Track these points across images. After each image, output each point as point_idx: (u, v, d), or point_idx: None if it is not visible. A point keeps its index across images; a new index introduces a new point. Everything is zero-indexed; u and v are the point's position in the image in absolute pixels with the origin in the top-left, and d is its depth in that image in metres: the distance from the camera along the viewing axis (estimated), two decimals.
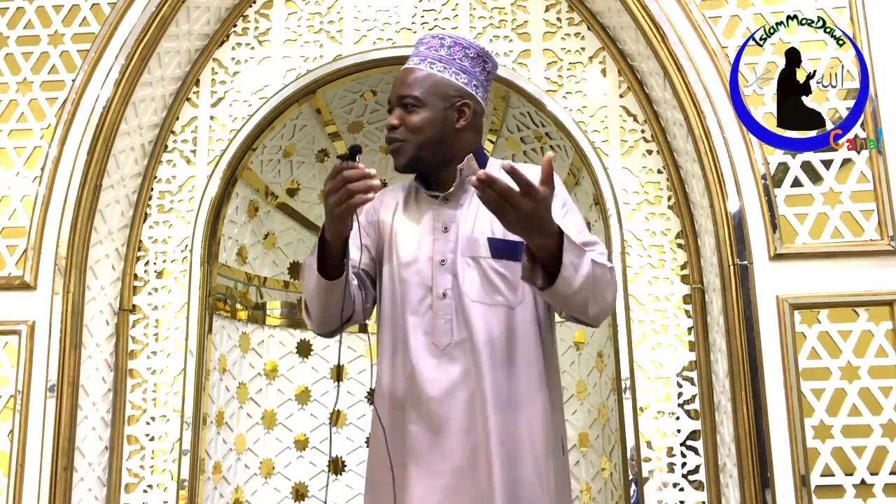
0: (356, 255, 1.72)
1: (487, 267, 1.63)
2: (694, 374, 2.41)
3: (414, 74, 1.71)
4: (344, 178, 1.46)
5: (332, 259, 1.57)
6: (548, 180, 1.36)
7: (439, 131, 1.69)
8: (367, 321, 2.90)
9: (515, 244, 1.61)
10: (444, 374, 1.60)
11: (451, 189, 1.71)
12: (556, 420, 1.68)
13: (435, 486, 1.56)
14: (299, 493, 2.90)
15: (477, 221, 1.67)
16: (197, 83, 2.75)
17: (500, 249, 1.64)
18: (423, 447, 1.59)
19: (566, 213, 1.67)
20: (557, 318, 1.72)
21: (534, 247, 1.42)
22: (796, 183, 2.32)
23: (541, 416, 1.62)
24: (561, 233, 1.42)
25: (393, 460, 1.60)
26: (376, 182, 1.46)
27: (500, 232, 1.62)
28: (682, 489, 2.36)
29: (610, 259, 1.66)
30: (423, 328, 1.63)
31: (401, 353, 1.65)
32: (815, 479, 2.15)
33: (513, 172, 1.33)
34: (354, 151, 1.49)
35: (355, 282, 1.71)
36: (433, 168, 1.72)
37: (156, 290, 2.62)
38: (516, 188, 1.34)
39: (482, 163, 1.76)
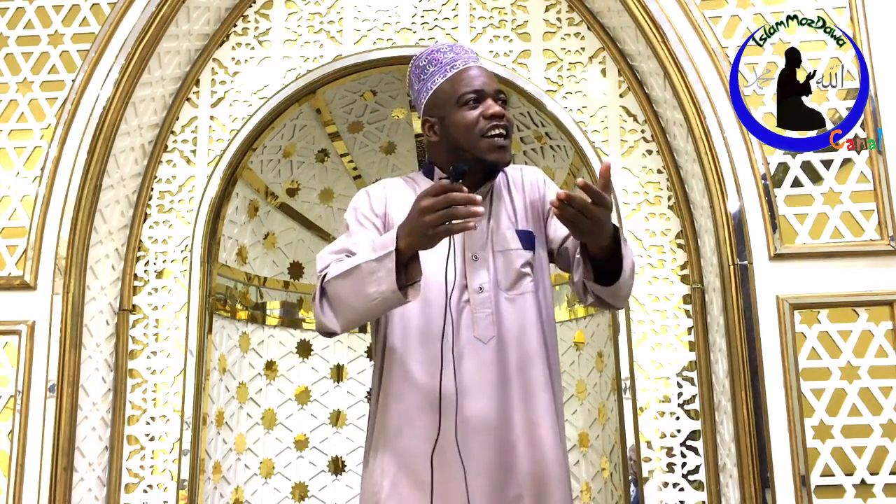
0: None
1: (516, 258, 1.66)
2: (694, 374, 2.41)
3: (495, 77, 1.76)
4: (448, 199, 1.40)
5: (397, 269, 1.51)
6: (607, 186, 1.45)
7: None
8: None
9: (531, 233, 1.70)
10: (490, 367, 1.60)
11: (479, 188, 1.71)
12: (560, 409, 1.73)
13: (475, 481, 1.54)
14: (299, 493, 2.90)
15: (501, 218, 1.70)
16: (197, 83, 2.75)
17: (527, 240, 1.69)
18: (472, 438, 1.56)
19: None
20: (558, 316, 1.75)
21: (598, 249, 1.52)
22: (796, 183, 2.32)
23: (557, 405, 1.66)
24: (616, 230, 1.52)
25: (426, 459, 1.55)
26: (481, 209, 1.40)
27: (522, 224, 1.70)
28: (682, 489, 2.36)
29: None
30: (463, 323, 1.61)
31: (438, 349, 1.58)
32: (815, 479, 2.15)
33: (585, 187, 1.42)
34: (461, 172, 1.45)
35: None
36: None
37: (156, 290, 2.62)
38: (588, 199, 1.42)
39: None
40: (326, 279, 1.57)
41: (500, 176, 1.78)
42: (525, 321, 1.64)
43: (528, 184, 1.77)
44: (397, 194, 1.75)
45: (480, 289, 1.63)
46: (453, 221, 1.40)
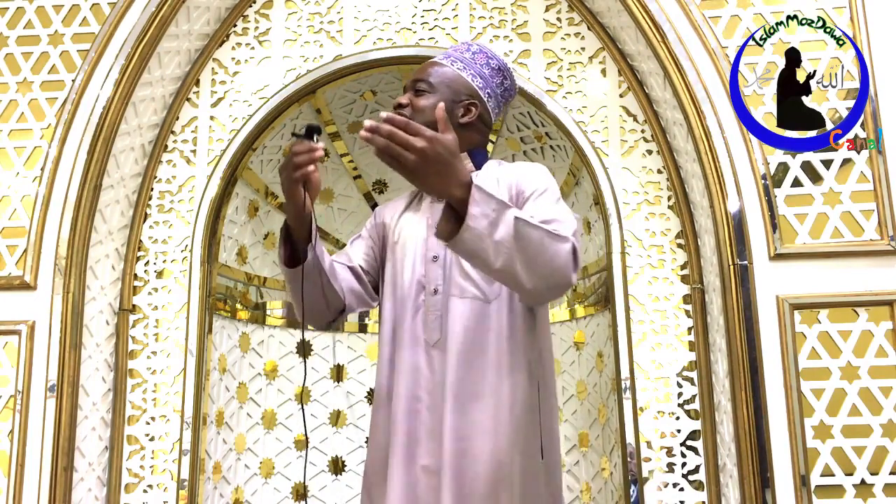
0: (356, 252, 1.80)
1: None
2: (694, 374, 2.41)
3: (434, 66, 1.78)
4: (292, 152, 1.50)
5: (299, 245, 1.60)
6: (444, 129, 1.32)
7: (423, 120, 1.67)
8: (367, 321, 2.86)
9: None
10: (429, 370, 1.61)
11: None
12: (532, 419, 1.62)
13: (407, 482, 1.57)
14: (299, 493, 2.90)
15: None
16: (197, 83, 2.75)
17: None
18: (403, 443, 1.60)
19: (538, 196, 1.63)
20: (553, 317, 1.71)
21: (449, 200, 1.34)
22: (796, 183, 2.32)
23: (506, 412, 1.58)
24: (472, 184, 1.33)
25: (383, 453, 1.63)
26: (320, 153, 1.49)
27: None
28: (682, 489, 2.36)
29: (572, 235, 1.52)
30: (418, 324, 1.64)
31: (397, 349, 1.66)
32: (815, 479, 2.15)
33: (390, 119, 1.27)
34: (311, 131, 1.51)
35: (349, 277, 1.75)
36: None
37: (156, 290, 2.62)
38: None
39: (479, 163, 1.77)
40: None
41: (491, 172, 1.76)
42: (468, 325, 1.60)
43: (506, 180, 1.70)
44: (394, 208, 1.84)
45: (435, 291, 1.64)
46: (298, 173, 1.49)
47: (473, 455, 1.55)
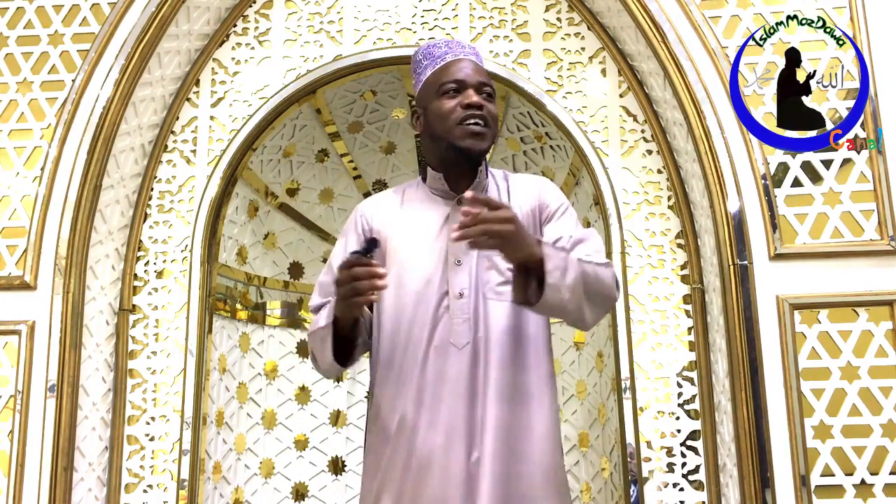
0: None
1: (501, 262, 1.59)
2: (694, 374, 2.41)
3: (484, 71, 1.75)
4: (352, 274, 1.48)
5: (342, 331, 1.62)
6: (498, 206, 1.44)
7: (496, 130, 1.74)
8: None
9: None
10: (460, 372, 1.58)
11: (469, 185, 1.71)
12: (558, 418, 1.69)
13: (427, 481, 1.55)
14: (299, 493, 2.90)
15: None
16: (197, 83, 2.75)
17: None
18: (430, 443, 1.56)
19: (561, 214, 1.72)
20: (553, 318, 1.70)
21: (527, 261, 1.46)
22: (796, 183, 2.32)
23: (548, 412, 1.62)
24: (540, 242, 1.46)
25: (399, 460, 1.59)
26: (382, 283, 1.49)
27: None
28: (682, 489, 2.36)
29: (606, 255, 1.66)
30: (440, 329, 1.61)
31: (408, 352, 1.62)
32: (815, 479, 2.15)
33: (474, 199, 1.41)
34: (371, 246, 1.53)
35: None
36: (474, 164, 1.71)
37: (156, 290, 2.62)
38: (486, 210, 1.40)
39: (487, 171, 1.78)
40: (308, 331, 1.73)
41: (500, 181, 1.77)
42: (506, 327, 1.60)
43: (526, 191, 1.74)
44: (383, 207, 1.77)
45: (460, 294, 1.62)
46: (356, 297, 1.49)
47: (525, 455, 1.56)
